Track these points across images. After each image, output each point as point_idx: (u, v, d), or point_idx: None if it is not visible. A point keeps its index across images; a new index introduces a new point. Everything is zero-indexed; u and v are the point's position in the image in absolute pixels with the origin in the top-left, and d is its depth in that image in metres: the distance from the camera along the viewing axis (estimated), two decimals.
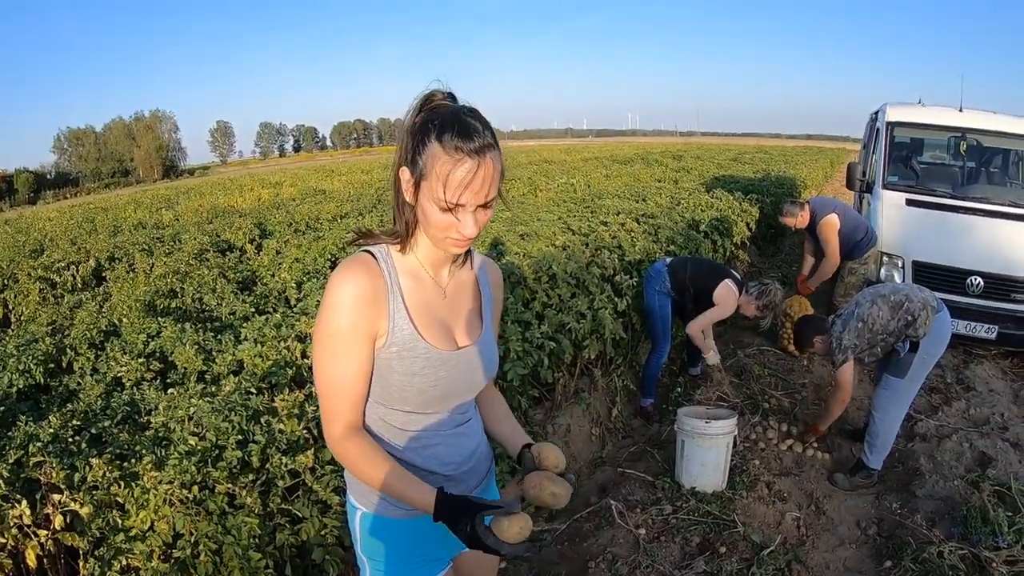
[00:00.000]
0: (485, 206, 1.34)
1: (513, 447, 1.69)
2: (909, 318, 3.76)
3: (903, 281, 5.96)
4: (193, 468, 2.51)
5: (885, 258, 6.22)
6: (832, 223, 5.89)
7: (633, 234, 6.22)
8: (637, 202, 8.59)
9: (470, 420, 1.63)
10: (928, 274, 5.87)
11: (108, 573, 2.28)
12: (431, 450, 1.54)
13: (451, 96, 1.35)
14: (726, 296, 4.59)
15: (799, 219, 6.03)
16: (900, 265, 6.11)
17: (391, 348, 1.42)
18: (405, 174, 1.36)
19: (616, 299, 4.66)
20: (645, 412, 4.92)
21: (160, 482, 2.45)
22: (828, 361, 4.22)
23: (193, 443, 2.69)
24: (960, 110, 7.18)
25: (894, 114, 7.35)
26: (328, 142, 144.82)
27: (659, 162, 17.24)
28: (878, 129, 7.43)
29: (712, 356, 4.85)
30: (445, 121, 1.28)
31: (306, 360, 3.47)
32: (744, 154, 21.84)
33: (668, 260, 4.88)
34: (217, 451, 2.68)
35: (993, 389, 5.35)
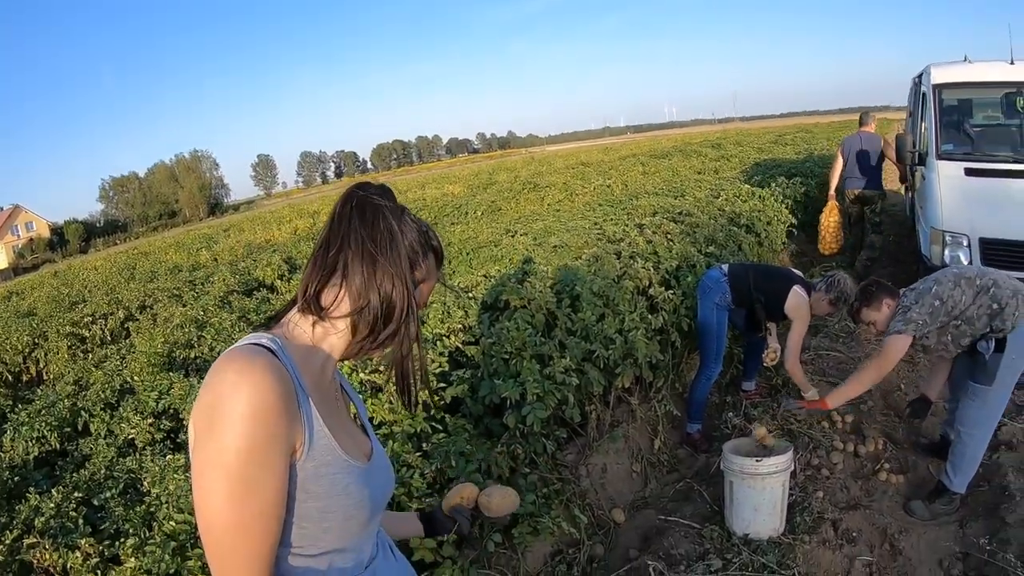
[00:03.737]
0: None
1: (413, 523, 1.69)
2: (995, 306, 3.23)
3: (970, 262, 5.37)
4: (168, 558, 2.38)
5: (948, 237, 5.59)
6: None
7: (670, 236, 5.80)
8: (675, 198, 8.19)
9: (380, 545, 1.34)
10: (999, 252, 5.24)
11: None
12: None
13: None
14: (799, 304, 4.18)
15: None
16: (965, 244, 5.49)
17: (307, 465, 1.08)
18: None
19: (650, 316, 4.22)
20: (692, 440, 4.43)
21: (135, 572, 2.38)
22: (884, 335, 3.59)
23: (175, 523, 2.58)
24: (1011, 63, 6.45)
25: (940, 75, 6.63)
26: (369, 165, 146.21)
27: (698, 152, 16.74)
28: (924, 94, 6.81)
29: (812, 392, 4.28)
30: (432, 235, 1.28)
31: None
32: (785, 135, 21.18)
33: (724, 268, 4.42)
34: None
35: None
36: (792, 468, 3.36)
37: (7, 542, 2.59)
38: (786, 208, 7.68)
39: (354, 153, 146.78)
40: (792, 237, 8.27)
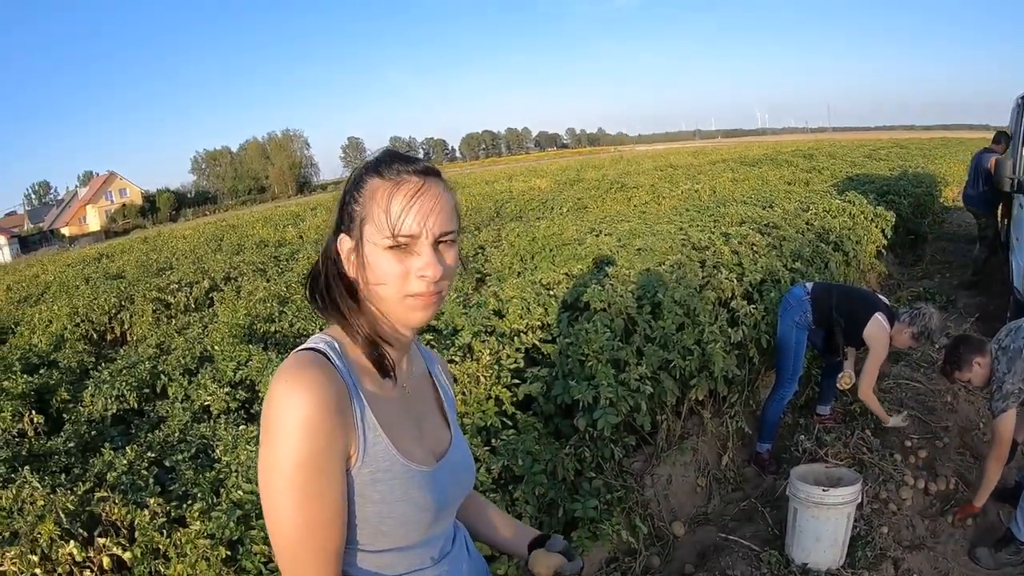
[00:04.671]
0: (447, 241, 1.11)
1: (519, 549, 1.47)
2: None
3: None
4: (232, 525, 2.43)
5: None
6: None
7: (755, 248, 5.65)
8: (764, 208, 7.92)
9: (455, 539, 1.30)
10: None
11: None
12: None
13: None
14: (879, 336, 4.03)
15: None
16: None
17: (363, 471, 1.09)
18: (345, 242, 1.13)
19: (730, 329, 4.15)
20: (760, 460, 4.34)
21: (199, 535, 2.40)
22: (984, 393, 3.56)
23: (242, 492, 2.63)
24: None
25: None
26: (457, 153, 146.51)
27: (789, 162, 16.25)
28: None
29: (895, 420, 4.19)
30: (378, 157, 1.13)
31: None
32: (879, 149, 20.43)
33: (808, 286, 4.32)
34: None
35: None
36: (859, 500, 3.27)
37: (79, 493, 2.60)
38: (876, 227, 7.41)
39: (443, 141, 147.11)
40: (881, 257, 7.99)
